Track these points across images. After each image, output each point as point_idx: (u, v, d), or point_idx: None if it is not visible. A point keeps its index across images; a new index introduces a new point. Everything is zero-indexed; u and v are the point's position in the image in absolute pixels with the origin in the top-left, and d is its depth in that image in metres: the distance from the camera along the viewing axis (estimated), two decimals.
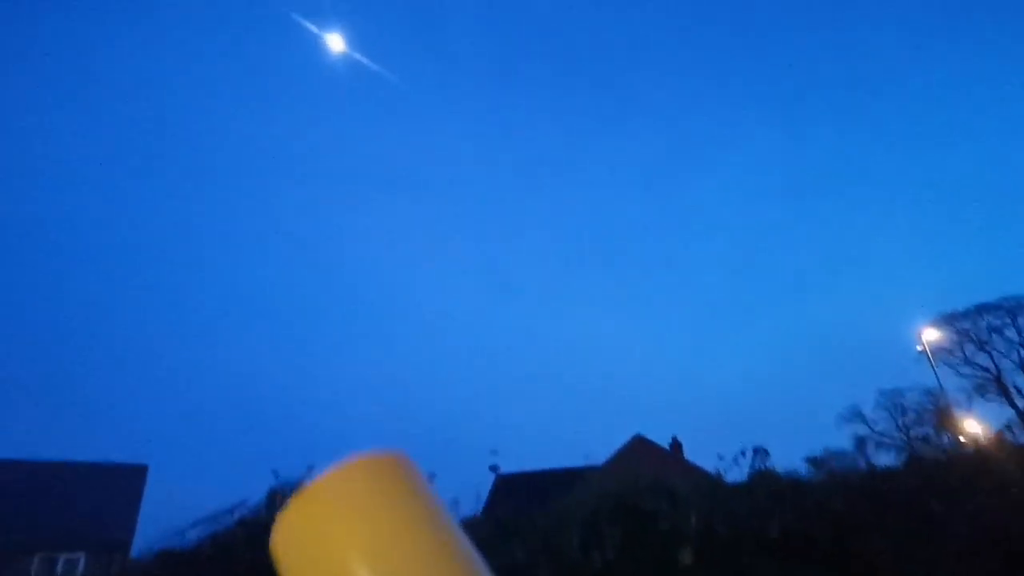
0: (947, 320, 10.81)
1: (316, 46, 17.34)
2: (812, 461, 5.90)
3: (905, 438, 10.02)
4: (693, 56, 21.15)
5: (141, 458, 9.52)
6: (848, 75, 20.90)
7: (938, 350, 10.57)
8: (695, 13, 20.38)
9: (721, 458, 4.51)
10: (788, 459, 5.16)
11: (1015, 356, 10.38)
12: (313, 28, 16.11)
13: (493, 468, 10.81)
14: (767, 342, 21.02)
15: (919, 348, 10.53)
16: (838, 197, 22.41)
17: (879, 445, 10.01)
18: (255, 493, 3.25)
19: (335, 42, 14.97)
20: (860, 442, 10.06)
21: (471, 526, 3.00)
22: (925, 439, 9.38)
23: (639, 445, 10.22)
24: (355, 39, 17.67)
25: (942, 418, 9.68)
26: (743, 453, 4.46)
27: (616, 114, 22.50)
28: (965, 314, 10.68)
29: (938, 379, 10.15)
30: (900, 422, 10.38)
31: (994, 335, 10.51)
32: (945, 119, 19.63)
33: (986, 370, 10.50)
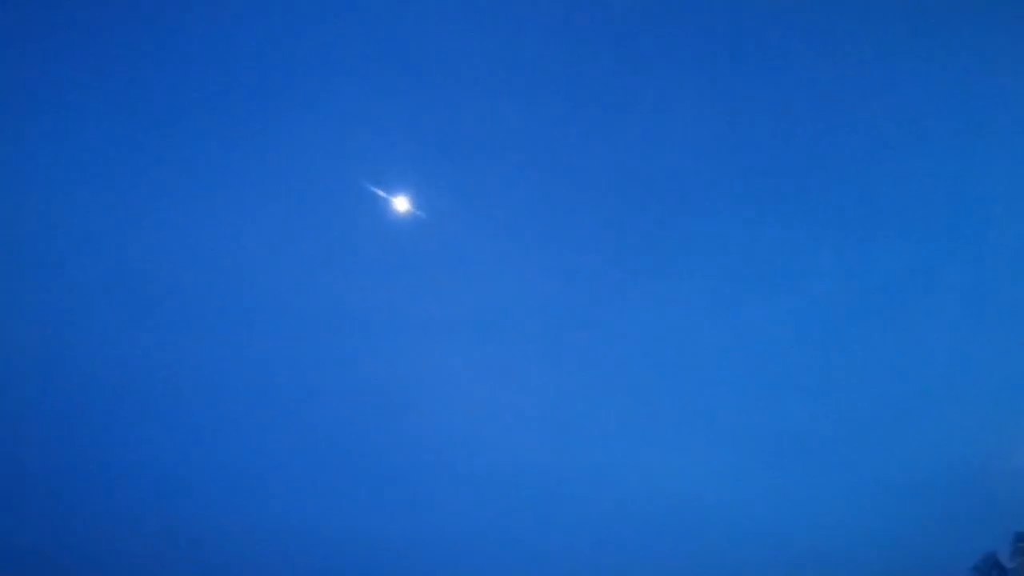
0: None
1: (382, 207, 18.54)
2: None
3: None
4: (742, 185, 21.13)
5: None
6: (916, 189, 20.85)
7: None
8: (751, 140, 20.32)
9: None
10: None
11: None
12: (381, 192, 18.16)
13: None
14: (863, 485, 19.34)
15: None
16: (928, 310, 21.35)
17: None
18: None
19: (401, 203, 17.09)
20: None
21: None
22: None
23: None
24: (418, 199, 18.69)
25: None
26: None
27: (668, 252, 22.24)
28: None
29: None
30: None
31: None
32: None
33: None
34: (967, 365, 20.65)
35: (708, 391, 21.68)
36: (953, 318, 20.25)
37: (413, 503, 19.96)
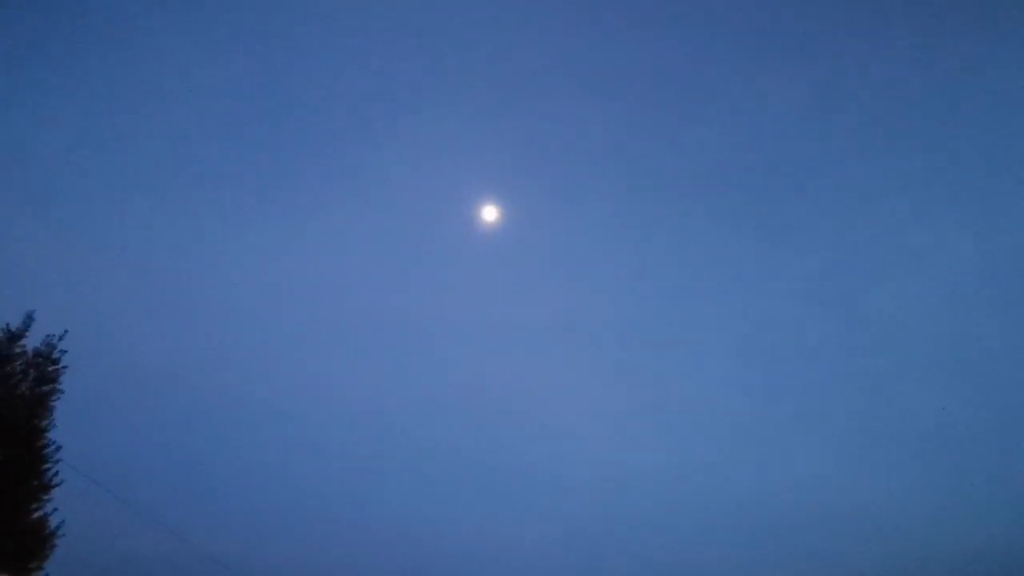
0: None
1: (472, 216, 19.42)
2: None
3: None
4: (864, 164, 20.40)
5: None
6: None
7: None
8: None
9: None
10: None
11: None
12: (472, 202, 19.35)
13: None
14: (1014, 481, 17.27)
15: None
16: None
17: None
18: None
19: (489, 212, 18.09)
20: None
21: None
22: None
23: None
24: (506, 206, 19.52)
25: None
26: None
27: (778, 240, 21.82)
28: None
29: None
30: None
31: None
32: None
33: None
34: None
35: (825, 387, 20.40)
36: None
37: (529, 508, 19.91)
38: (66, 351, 6.60)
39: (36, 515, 6.27)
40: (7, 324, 6.49)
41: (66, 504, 6.39)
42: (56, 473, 6.42)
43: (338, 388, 18.61)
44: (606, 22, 17.60)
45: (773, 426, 20.36)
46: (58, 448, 6.46)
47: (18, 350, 6.46)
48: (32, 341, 6.53)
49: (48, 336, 6.58)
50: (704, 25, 17.83)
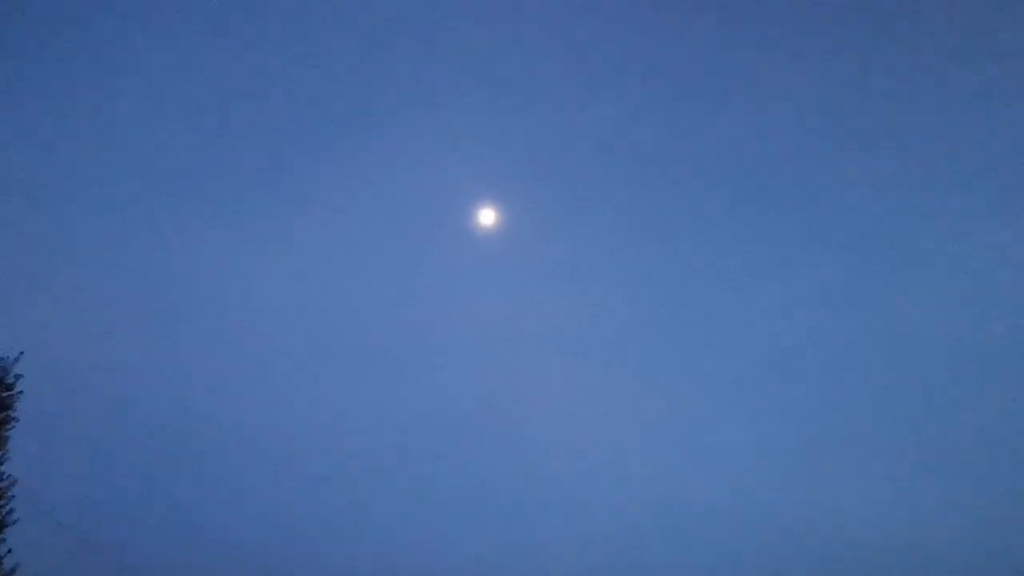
0: None
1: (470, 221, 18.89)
2: None
3: None
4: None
5: None
6: None
7: None
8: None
9: None
10: None
11: None
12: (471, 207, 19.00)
13: None
14: None
15: None
16: None
17: None
18: None
19: (487, 215, 17.77)
20: None
21: None
22: None
23: None
24: (507, 211, 18.92)
25: None
26: None
27: (792, 244, 21.03)
28: None
29: None
30: None
31: None
32: None
33: None
34: None
35: (875, 403, 19.16)
36: None
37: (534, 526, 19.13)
38: (21, 375, 6.06)
39: None
40: None
41: (21, 545, 5.90)
42: (11, 511, 5.90)
43: (323, 408, 17.88)
44: (616, 3, 16.93)
45: (812, 446, 19.14)
46: (13, 483, 5.94)
47: None
48: None
49: (1, 359, 6.04)
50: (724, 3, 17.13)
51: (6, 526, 5.84)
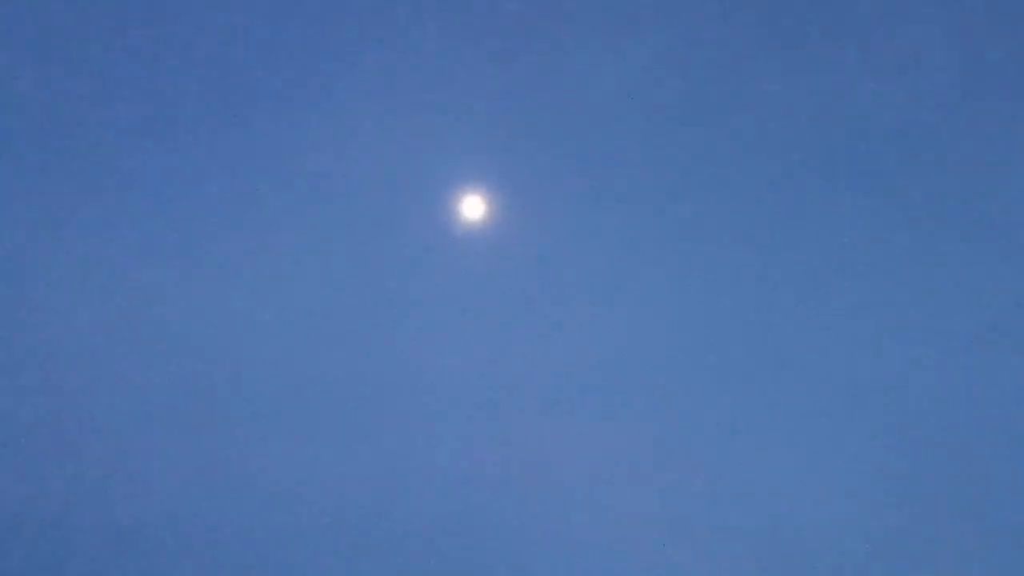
0: None
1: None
2: None
3: None
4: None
5: None
6: None
7: None
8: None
9: None
10: None
11: None
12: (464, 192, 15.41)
13: None
14: None
15: None
16: None
17: None
18: None
19: (472, 206, 13.74)
20: None
21: None
22: None
23: None
24: (500, 199, 15.50)
25: None
26: None
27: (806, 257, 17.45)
28: None
29: None
30: None
31: None
32: None
33: None
34: None
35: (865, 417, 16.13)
36: None
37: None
38: None
39: None
40: None
41: None
42: None
43: (265, 473, 13.53)
44: None
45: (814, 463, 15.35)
46: None
47: None
48: None
49: None
50: None
51: None
